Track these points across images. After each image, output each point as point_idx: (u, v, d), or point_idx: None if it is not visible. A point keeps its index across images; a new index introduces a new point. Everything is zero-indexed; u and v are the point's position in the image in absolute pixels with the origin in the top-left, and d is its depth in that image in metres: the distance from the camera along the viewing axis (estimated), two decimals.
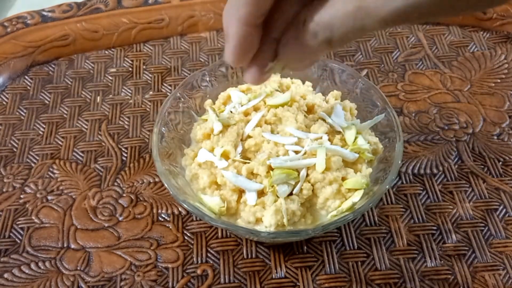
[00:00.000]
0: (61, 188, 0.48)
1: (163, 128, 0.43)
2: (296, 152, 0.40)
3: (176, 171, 0.42)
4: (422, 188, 0.48)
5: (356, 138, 0.41)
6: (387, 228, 0.45)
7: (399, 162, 0.40)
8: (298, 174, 0.39)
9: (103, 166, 0.50)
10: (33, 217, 0.46)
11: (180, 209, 0.47)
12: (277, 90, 0.45)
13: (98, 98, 0.55)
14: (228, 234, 0.45)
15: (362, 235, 0.45)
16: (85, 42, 0.60)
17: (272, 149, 0.40)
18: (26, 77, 0.57)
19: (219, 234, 0.45)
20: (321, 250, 0.44)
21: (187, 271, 0.43)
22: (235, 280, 0.43)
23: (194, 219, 0.46)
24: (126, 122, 0.53)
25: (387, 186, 0.39)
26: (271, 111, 0.42)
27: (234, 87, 0.46)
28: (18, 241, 0.45)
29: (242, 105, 0.44)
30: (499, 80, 0.57)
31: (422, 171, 0.49)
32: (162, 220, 0.46)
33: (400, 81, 0.56)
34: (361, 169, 0.41)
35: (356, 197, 0.39)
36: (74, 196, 0.48)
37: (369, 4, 0.25)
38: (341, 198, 0.40)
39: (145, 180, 0.48)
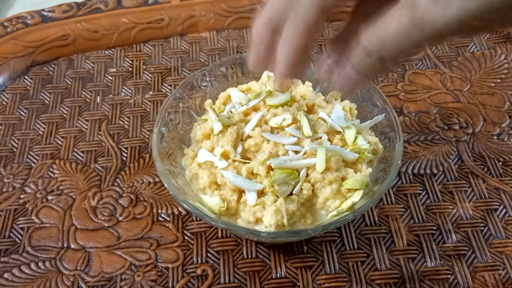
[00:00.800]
0: (61, 188, 0.48)
1: (163, 128, 0.43)
2: (296, 152, 0.40)
3: (176, 171, 0.42)
4: (422, 188, 0.48)
5: (356, 138, 0.41)
6: (387, 228, 0.45)
7: (399, 162, 0.40)
8: (298, 174, 0.39)
9: (103, 166, 0.50)
10: (33, 217, 0.46)
11: (180, 209, 0.47)
12: (276, 90, 0.45)
13: (98, 98, 0.55)
14: (228, 234, 0.45)
15: (362, 235, 0.45)
16: (85, 42, 0.60)
17: (272, 149, 0.40)
18: (26, 77, 0.57)
19: (219, 234, 0.45)
20: (321, 250, 0.44)
21: (187, 271, 0.43)
22: (235, 280, 0.43)
23: (194, 219, 0.46)
24: (126, 122, 0.53)
25: (387, 186, 0.39)
26: (271, 111, 0.42)
27: (234, 87, 0.46)
28: (18, 241, 0.45)
29: (242, 105, 0.44)
30: (499, 80, 0.57)
31: (422, 171, 0.49)
32: (162, 220, 0.46)
33: (400, 81, 0.56)
34: (361, 169, 0.41)
35: (356, 197, 0.39)
36: (74, 196, 0.48)
37: (423, 16, 0.25)
38: (341, 198, 0.40)
39: (145, 180, 0.48)
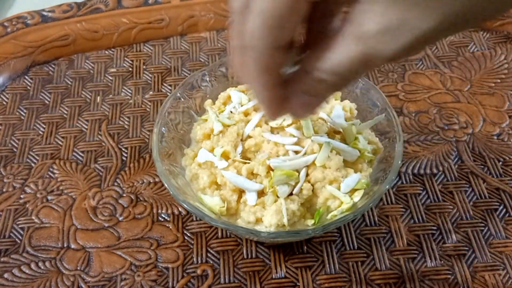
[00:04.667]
0: (61, 188, 0.48)
1: (163, 128, 0.43)
2: (296, 152, 0.40)
3: (176, 171, 0.42)
4: (422, 188, 0.48)
5: (356, 138, 0.41)
6: (387, 228, 0.45)
7: (399, 162, 0.40)
8: (298, 174, 0.39)
9: (103, 166, 0.50)
10: (33, 217, 0.46)
11: (180, 209, 0.47)
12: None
13: (98, 98, 0.55)
14: (228, 234, 0.45)
15: (362, 235, 0.45)
16: (85, 42, 0.60)
17: (272, 149, 0.40)
18: (26, 77, 0.57)
19: (219, 234, 0.45)
20: (321, 250, 0.44)
21: (187, 271, 0.43)
22: (235, 280, 0.43)
23: (194, 219, 0.46)
24: (126, 122, 0.53)
25: (387, 186, 0.39)
26: None
27: (234, 87, 0.46)
28: (18, 241, 0.45)
29: (242, 105, 0.44)
30: (499, 80, 0.57)
31: (422, 171, 0.49)
32: (162, 220, 0.46)
33: (400, 81, 0.56)
34: (361, 169, 0.41)
35: (356, 197, 0.39)
36: (74, 196, 0.48)
37: (373, 47, 0.25)
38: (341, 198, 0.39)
39: (145, 180, 0.48)
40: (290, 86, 0.29)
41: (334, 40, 0.26)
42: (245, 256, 0.44)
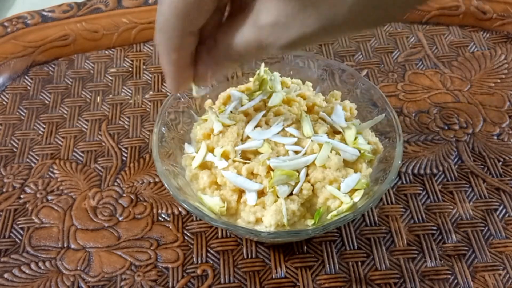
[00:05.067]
0: (61, 188, 0.48)
1: (163, 128, 0.43)
2: (296, 152, 0.40)
3: (176, 171, 0.42)
4: (422, 188, 0.48)
5: (356, 138, 0.41)
6: (387, 228, 0.45)
7: (399, 162, 0.40)
8: (298, 174, 0.39)
9: (103, 166, 0.50)
10: (33, 217, 0.46)
11: (180, 209, 0.47)
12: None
13: (98, 98, 0.55)
14: (228, 234, 0.45)
15: (362, 235, 0.45)
16: (85, 42, 0.60)
17: (272, 149, 0.40)
18: (26, 77, 0.57)
19: (219, 234, 0.45)
20: (321, 250, 0.44)
21: (187, 271, 0.43)
22: (235, 280, 0.43)
23: (194, 219, 0.46)
24: (126, 122, 0.53)
25: (387, 186, 0.39)
26: (271, 111, 0.42)
27: (234, 87, 0.46)
28: (18, 241, 0.45)
29: (242, 105, 0.44)
30: (499, 80, 0.57)
31: (422, 171, 0.49)
32: (162, 220, 0.46)
33: (400, 81, 0.56)
34: (361, 169, 0.41)
35: (356, 197, 0.39)
36: (74, 196, 0.48)
37: (266, 38, 0.28)
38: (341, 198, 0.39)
39: (145, 180, 0.48)
40: (198, 53, 0.33)
41: (242, 19, 0.30)
42: (245, 256, 0.44)
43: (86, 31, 0.61)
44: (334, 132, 0.42)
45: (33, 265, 0.43)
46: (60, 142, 0.52)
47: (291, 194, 0.39)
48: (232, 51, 0.31)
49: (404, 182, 0.48)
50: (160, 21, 0.31)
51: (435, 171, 0.49)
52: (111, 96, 0.56)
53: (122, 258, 0.44)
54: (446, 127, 0.52)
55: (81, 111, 0.54)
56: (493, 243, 0.45)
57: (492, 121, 0.53)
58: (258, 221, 0.39)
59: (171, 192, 0.39)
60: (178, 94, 0.45)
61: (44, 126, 0.53)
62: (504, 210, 0.47)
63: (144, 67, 0.58)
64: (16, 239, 0.45)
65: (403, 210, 0.47)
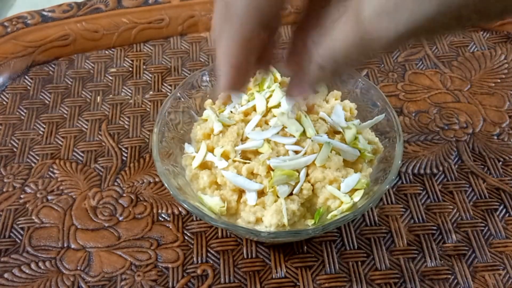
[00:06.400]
0: (61, 188, 0.48)
1: (163, 128, 0.43)
2: (296, 152, 0.40)
3: (176, 171, 0.42)
4: (422, 188, 0.48)
5: (356, 138, 0.41)
6: (387, 228, 0.45)
7: (399, 162, 0.40)
8: (299, 175, 0.39)
9: (103, 166, 0.50)
10: (33, 217, 0.46)
11: (180, 209, 0.47)
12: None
13: (98, 98, 0.55)
14: (228, 234, 0.45)
15: (362, 235, 0.45)
16: (85, 42, 0.60)
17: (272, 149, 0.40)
18: (26, 77, 0.57)
19: (219, 234, 0.45)
20: (321, 250, 0.44)
21: (187, 271, 0.43)
22: (235, 280, 0.43)
23: (194, 219, 0.46)
24: (126, 122, 0.53)
25: (387, 186, 0.39)
26: (271, 111, 0.43)
27: None
28: (18, 241, 0.45)
29: (242, 105, 0.44)
30: (499, 80, 0.57)
31: (422, 171, 0.49)
32: (162, 220, 0.46)
33: (400, 81, 0.56)
34: (361, 169, 0.41)
35: (356, 197, 0.39)
36: (74, 196, 0.48)
37: (369, 31, 0.24)
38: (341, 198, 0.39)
39: (145, 180, 0.48)
40: (297, 71, 0.29)
41: (334, 24, 0.26)
42: (245, 256, 0.44)
43: (86, 31, 0.61)
44: (334, 132, 0.42)
45: (33, 265, 0.43)
46: (60, 142, 0.52)
47: (291, 194, 0.39)
48: (331, 61, 0.27)
49: (404, 182, 0.48)
50: (227, 10, 0.27)
51: (435, 171, 0.49)
52: (111, 96, 0.56)
53: (122, 258, 0.44)
54: (446, 127, 0.52)
55: (81, 111, 0.54)
56: (493, 243, 0.45)
57: (492, 121, 0.53)
58: (258, 221, 0.39)
59: (171, 192, 0.39)
60: (178, 94, 0.45)
61: (44, 126, 0.53)
62: (504, 210, 0.47)
63: (144, 67, 0.58)
64: (16, 239, 0.45)
65: (403, 210, 0.47)
